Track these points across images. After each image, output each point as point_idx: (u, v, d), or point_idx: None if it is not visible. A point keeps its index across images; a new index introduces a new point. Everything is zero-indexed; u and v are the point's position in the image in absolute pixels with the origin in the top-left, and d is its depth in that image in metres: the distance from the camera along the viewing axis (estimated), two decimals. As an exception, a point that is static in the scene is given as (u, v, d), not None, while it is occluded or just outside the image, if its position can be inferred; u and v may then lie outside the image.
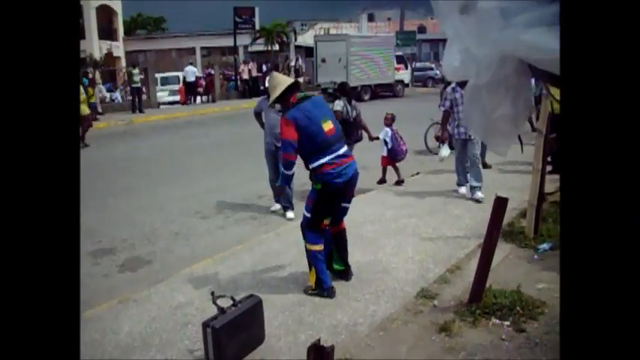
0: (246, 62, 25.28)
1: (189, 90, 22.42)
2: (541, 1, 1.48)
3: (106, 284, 4.48)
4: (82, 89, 12.57)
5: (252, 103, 8.31)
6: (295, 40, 33.53)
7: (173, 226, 6.00)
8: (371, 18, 45.87)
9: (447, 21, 1.83)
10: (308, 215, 3.78)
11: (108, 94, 20.98)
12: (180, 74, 23.08)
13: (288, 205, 6.06)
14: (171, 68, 25.59)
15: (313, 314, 3.57)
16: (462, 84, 5.14)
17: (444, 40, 2.00)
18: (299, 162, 3.75)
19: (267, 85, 4.48)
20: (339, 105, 6.49)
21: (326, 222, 3.81)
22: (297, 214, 5.70)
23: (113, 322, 3.56)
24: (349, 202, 3.94)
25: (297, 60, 27.97)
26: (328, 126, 3.66)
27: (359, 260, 4.36)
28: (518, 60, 1.68)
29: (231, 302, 3.10)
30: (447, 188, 6.78)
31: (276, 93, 3.75)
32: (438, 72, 28.47)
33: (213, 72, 23.64)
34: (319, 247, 3.78)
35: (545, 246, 4.56)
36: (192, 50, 34.96)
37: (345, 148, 3.77)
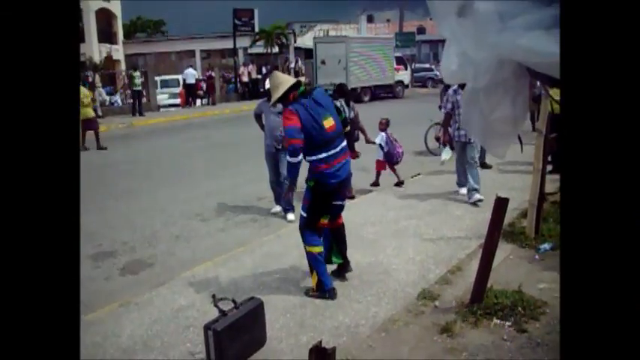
0: (245, 64, 25.30)
1: (190, 92, 22.41)
2: (538, 3, 1.48)
3: (107, 287, 4.48)
4: (87, 92, 12.59)
5: (252, 105, 8.30)
6: (295, 41, 33.54)
7: (174, 228, 6.00)
8: (370, 19, 45.91)
9: (445, 23, 1.82)
10: (304, 215, 3.81)
11: (107, 98, 21.01)
12: (180, 77, 23.06)
13: (288, 207, 6.05)
14: (171, 71, 25.53)
15: (315, 316, 3.57)
16: (464, 86, 5.14)
17: (444, 41, 1.99)
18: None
19: (267, 86, 4.45)
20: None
21: (324, 221, 3.83)
22: (297, 216, 5.68)
23: (114, 325, 3.56)
24: (343, 200, 3.98)
25: (296, 62, 27.97)
26: (329, 123, 3.66)
27: (360, 261, 4.36)
28: (516, 63, 1.68)
29: (233, 305, 3.10)
30: (447, 189, 6.79)
31: (278, 92, 3.71)
32: (437, 73, 28.45)
33: (213, 74, 23.60)
34: (319, 249, 3.79)
35: (546, 246, 4.56)
36: (192, 53, 34.93)
37: (344, 144, 3.78)
